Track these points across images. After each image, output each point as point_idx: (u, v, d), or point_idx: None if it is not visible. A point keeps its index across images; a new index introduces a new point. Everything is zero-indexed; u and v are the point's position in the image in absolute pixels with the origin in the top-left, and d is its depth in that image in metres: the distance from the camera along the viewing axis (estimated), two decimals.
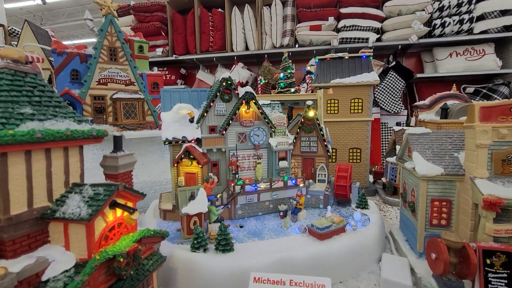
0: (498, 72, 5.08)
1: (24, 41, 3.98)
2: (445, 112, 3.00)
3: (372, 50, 3.42)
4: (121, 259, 1.15)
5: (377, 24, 5.08)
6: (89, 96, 2.93)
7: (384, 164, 3.57)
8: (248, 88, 2.41)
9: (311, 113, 2.51)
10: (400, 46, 5.28)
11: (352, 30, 5.13)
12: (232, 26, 5.62)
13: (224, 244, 1.72)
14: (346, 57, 3.47)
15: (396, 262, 1.82)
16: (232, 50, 5.72)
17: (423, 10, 4.84)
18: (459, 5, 4.74)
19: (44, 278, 1.03)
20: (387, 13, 5.12)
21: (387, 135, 5.26)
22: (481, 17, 4.91)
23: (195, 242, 1.72)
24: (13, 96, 1.06)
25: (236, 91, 2.44)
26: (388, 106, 5.18)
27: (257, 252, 1.73)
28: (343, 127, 3.47)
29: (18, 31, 4.51)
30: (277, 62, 5.97)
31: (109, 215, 1.20)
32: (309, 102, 2.57)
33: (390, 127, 5.29)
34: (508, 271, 1.44)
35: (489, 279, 1.46)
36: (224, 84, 2.39)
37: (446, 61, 5.23)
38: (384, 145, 5.24)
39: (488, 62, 5.05)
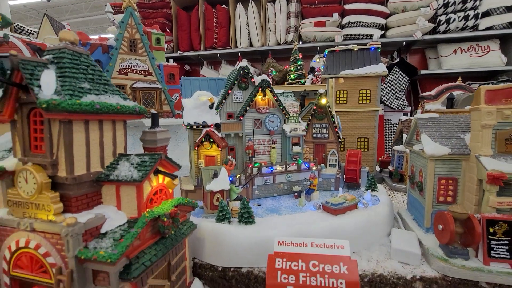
0: (503, 69, 5.07)
1: (44, 34, 4.13)
2: (451, 102, 3.12)
3: (380, 43, 3.52)
4: (165, 219, 1.30)
5: (381, 21, 5.09)
6: None
7: (391, 153, 3.70)
8: (264, 77, 2.55)
9: (323, 101, 2.64)
10: (404, 43, 5.27)
11: (356, 26, 5.13)
12: (236, 22, 5.63)
13: (247, 217, 1.87)
14: (355, 49, 3.58)
15: (405, 235, 1.96)
16: (236, 47, 5.72)
17: (428, 6, 4.85)
18: (464, 1, 4.78)
19: (102, 230, 1.19)
20: (391, 10, 5.13)
21: (392, 132, 5.30)
22: (486, 14, 4.90)
23: (220, 214, 1.88)
24: (74, 73, 1.20)
25: (253, 80, 2.58)
26: (392, 102, 5.24)
27: (276, 224, 1.88)
28: (352, 117, 3.60)
29: (24, 27, 4.64)
30: (281, 59, 6.04)
31: (153, 181, 1.35)
32: (321, 91, 2.70)
33: (394, 124, 5.35)
34: (509, 238, 1.58)
35: (492, 245, 1.60)
36: (241, 72, 2.53)
37: (451, 58, 5.24)
38: (387, 141, 5.26)
39: (493, 58, 5.05)
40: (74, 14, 11.68)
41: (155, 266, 1.29)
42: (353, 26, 5.13)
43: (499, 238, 1.59)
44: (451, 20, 4.92)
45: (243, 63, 2.55)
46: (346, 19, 5.13)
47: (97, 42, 2.99)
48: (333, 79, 2.87)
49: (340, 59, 3.62)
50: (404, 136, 3.32)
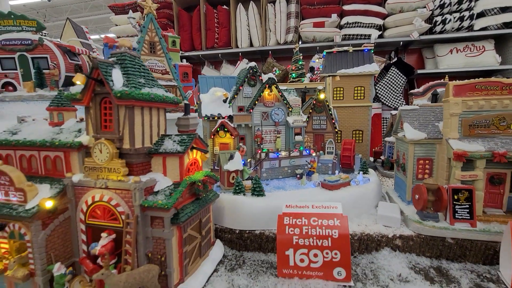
0: (497, 68, 5.16)
1: (66, 37, 4.52)
2: (435, 97, 3.51)
3: (373, 44, 3.91)
4: (200, 184, 1.70)
5: (379, 21, 5.19)
6: None
7: (383, 144, 4.10)
8: (270, 75, 2.94)
9: (322, 96, 3.04)
10: (401, 43, 5.36)
11: (354, 27, 5.21)
12: (237, 23, 5.73)
13: (259, 190, 2.26)
14: (351, 51, 3.98)
15: (389, 205, 2.36)
16: (237, 47, 5.82)
17: (425, 7, 4.96)
18: (459, 2, 4.88)
19: (155, 189, 1.58)
20: (389, 10, 5.22)
21: None
22: (481, 14, 4.99)
23: (236, 188, 2.27)
24: (133, 71, 1.59)
25: (260, 77, 2.97)
26: (390, 101, 5.31)
27: (283, 197, 2.28)
28: (348, 111, 3.99)
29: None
30: (281, 58, 6.17)
31: (190, 154, 1.74)
32: (320, 87, 3.09)
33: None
34: (469, 203, 1.97)
35: (456, 209, 1.99)
36: (250, 71, 2.92)
37: (447, 57, 5.32)
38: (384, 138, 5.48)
39: (487, 58, 5.14)
40: (74, 14, 11.88)
41: (192, 219, 1.68)
42: (351, 27, 5.26)
43: (462, 204, 1.99)
44: (447, 21, 5.03)
45: (252, 63, 2.92)
46: (344, 20, 5.24)
47: None
48: (331, 77, 3.25)
49: (337, 59, 4.01)
50: None
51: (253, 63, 2.96)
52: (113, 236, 1.54)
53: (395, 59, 5.55)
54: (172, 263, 1.52)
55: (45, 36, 4.77)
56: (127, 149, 1.53)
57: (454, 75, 5.36)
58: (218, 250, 2.04)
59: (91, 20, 12.37)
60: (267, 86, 2.92)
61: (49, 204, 1.43)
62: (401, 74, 5.44)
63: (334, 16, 5.22)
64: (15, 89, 3.43)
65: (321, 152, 3.10)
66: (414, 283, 1.69)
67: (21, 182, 1.50)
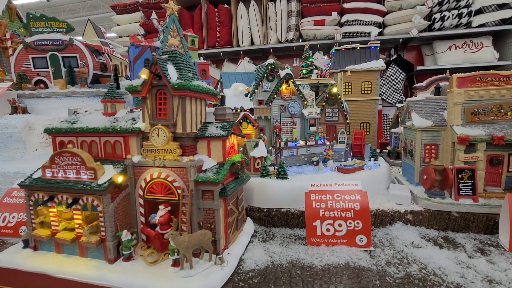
0: (495, 64, 5.24)
1: (88, 37, 4.74)
2: (438, 91, 3.77)
3: (379, 42, 4.16)
4: (239, 164, 1.95)
5: (379, 19, 5.25)
6: None
7: (389, 135, 4.37)
8: (288, 70, 3.20)
9: (334, 89, 3.29)
10: (401, 40, 5.44)
11: (355, 24, 5.28)
12: (238, 21, 5.76)
13: (283, 174, 2.52)
14: (358, 48, 4.23)
15: (400, 186, 2.62)
16: (238, 45, 5.86)
17: (423, 4, 5.05)
18: None
19: (203, 168, 1.83)
20: (388, 8, 5.29)
21: (388, 124, 5.67)
22: (479, 11, 5.09)
23: (263, 172, 2.53)
24: (184, 66, 1.85)
25: (278, 73, 3.23)
26: (390, 98, 5.52)
27: (304, 179, 2.54)
28: (355, 105, 4.25)
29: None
30: (282, 57, 6.20)
31: (229, 139, 1.99)
32: (332, 82, 3.35)
33: (391, 118, 5.52)
34: (472, 181, 2.24)
35: (460, 187, 2.26)
36: (269, 67, 3.17)
37: (446, 54, 5.42)
38: (384, 131, 5.60)
39: (485, 54, 5.24)
40: (72, 14, 11.98)
41: (232, 195, 1.94)
42: (351, 24, 5.33)
43: (465, 182, 2.25)
44: (445, 18, 5.11)
45: (271, 59, 3.17)
46: (345, 18, 5.31)
47: (146, 44, 3.62)
48: (342, 72, 3.51)
49: (345, 56, 4.27)
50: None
51: (271, 60, 3.21)
52: (169, 208, 1.79)
53: (395, 56, 5.70)
54: (220, 230, 1.77)
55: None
56: (180, 133, 1.79)
57: (453, 72, 5.42)
58: (249, 226, 2.30)
59: (90, 20, 12.49)
60: (284, 81, 3.17)
61: (120, 179, 1.69)
62: (401, 71, 5.53)
63: (335, 14, 5.28)
64: (46, 86, 3.66)
65: (334, 141, 3.36)
66: (425, 248, 1.96)
67: (91, 162, 1.75)
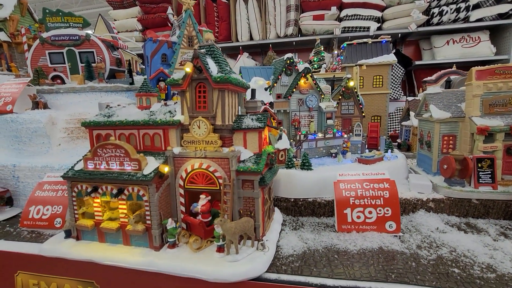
0: (492, 59, 5.34)
1: (98, 32, 4.74)
2: (448, 84, 3.87)
3: (390, 37, 4.24)
4: (273, 155, 2.02)
5: (377, 13, 5.26)
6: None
7: (399, 128, 4.47)
8: (306, 65, 3.26)
9: (351, 83, 3.37)
10: (400, 35, 5.45)
11: (354, 19, 5.29)
12: (236, 16, 5.70)
13: (308, 165, 2.60)
14: (370, 42, 4.30)
15: (419, 176, 2.73)
16: (237, 40, 5.80)
17: None
18: None
19: (241, 159, 1.90)
20: (387, 3, 5.31)
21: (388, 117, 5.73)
22: (476, 6, 5.17)
23: (289, 163, 2.61)
24: (221, 60, 1.90)
25: (296, 67, 3.28)
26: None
27: (327, 170, 2.62)
28: (367, 98, 4.33)
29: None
30: (281, 52, 6.12)
31: (264, 131, 2.06)
32: (349, 75, 3.42)
33: (390, 113, 5.54)
34: (491, 170, 2.34)
35: (480, 175, 2.36)
36: (288, 62, 3.23)
37: (444, 49, 5.49)
38: (387, 127, 5.70)
39: (483, 49, 5.33)
40: (64, 9, 11.89)
41: (267, 186, 2.01)
42: (350, 19, 5.33)
43: (485, 170, 2.36)
44: (444, 12, 5.16)
45: (289, 54, 3.23)
46: (344, 12, 5.31)
47: (163, 39, 3.64)
48: (357, 66, 3.58)
49: (357, 50, 4.34)
50: (411, 113, 4.08)
51: (289, 54, 3.26)
52: (209, 197, 1.86)
53: (394, 50, 5.61)
54: (259, 218, 1.85)
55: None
56: (220, 125, 1.85)
57: (450, 66, 5.43)
58: (278, 215, 2.38)
59: (82, 15, 12.37)
60: (303, 75, 3.23)
61: (166, 169, 1.75)
62: (400, 66, 5.58)
63: (334, 9, 5.24)
64: (63, 81, 3.67)
65: (350, 134, 3.45)
66: (451, 233, 2.06)
67: (134, 153, 1.81)
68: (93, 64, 3.63)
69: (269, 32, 5.78)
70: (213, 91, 1.82)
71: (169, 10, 3.86)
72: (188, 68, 1.74)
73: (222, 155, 1.80)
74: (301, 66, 3.25)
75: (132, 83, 4.06)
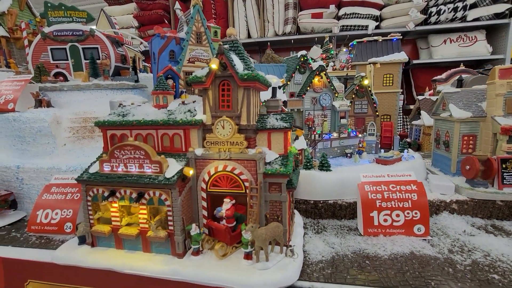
0: (488, 58, 5.38)
1: (100, 27, 4.58)
2: (460, 83, 3.83)
3: (400, 35, 4.17)
4: (298, 156, 1.94)
5: (376, 12, 5.24)
6: (182, 71, 3.63)
7: (409, 127, 4.42)
8: (321, 62, 3.17)
9: (366, 81, 3.30)
10: (398, 33, 5.63)
11: (352, 17, 5.27)
12: (234, 14, 5.62)
13: (327, 166, 2.52)
14: (380, 40, 4.24)
15: (440, 177, 2.67)
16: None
17: None
18: None
19: (266, 160, 1.81)
20: (385, 1, 5.29)
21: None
22: (474, 5, 5.18)
23: (308, 164, 2.52)
24: (246, 57, 1.80)
25: (310, 65, 3.20)
26: None
27: (347, 171, 2.54)
28: (377, 97, 4.26)
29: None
30: (279, 50, 6.00)
31: (289, 131, 1.97)
32: (363, 74, 3.35)
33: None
34: None
35: (504, 176, 2.31)
36: (302, 59, 3.14)
37: (441, 48, 5.49)
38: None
39: (479, 48, 5.35)
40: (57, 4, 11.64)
41: (295, 188, 1.93)
42: (349, 18, 5.30)
43: (509, 171, 2.31)
44: (441, 11, 5.17)
45: (303, 51, 3.15)
46: (342, 11, 5.27)
47: (171, 35, 3.52)
48: (371, 64, 3.51)
49: (367, 48, 4.27)
50: (423, 112, 4.04)
51: (303, 52, 3.17)
52: (233, 201, 1.77)
53: None
54: (286, 222, 1.76)
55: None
56: (245, 125, 1.76)
57: (447, 65, 5.36)
58: (298, 218, 2.30)
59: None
60: (317, 73, 3.15)
61: (191, 172, 1.65)
62: None
63: (332, 7, 5.20)
64: (65, 79, 3.52)
65: (364, 133, 3.38)
66: (480, 236, 2.01)
67: (155, 155, 1.70)
68: (97, 61, 3.49)
69: (267, 30, 5.70)
70: (238, 89, 1.73)
71: (177, 5, 3.73)
72: (214, 65, 1.63)
73: (248, 157, 1.70)
74: (315, 64, 3.17)
75: (137, 80, 3.93)
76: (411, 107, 4.89)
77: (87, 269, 1.73)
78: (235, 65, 1.67)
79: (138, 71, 4.60)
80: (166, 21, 6.25)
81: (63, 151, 2.87)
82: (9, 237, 2.20)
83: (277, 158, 1.84)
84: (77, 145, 2.96)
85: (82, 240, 1.87)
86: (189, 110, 1.92)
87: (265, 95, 2.29)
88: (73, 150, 2.90)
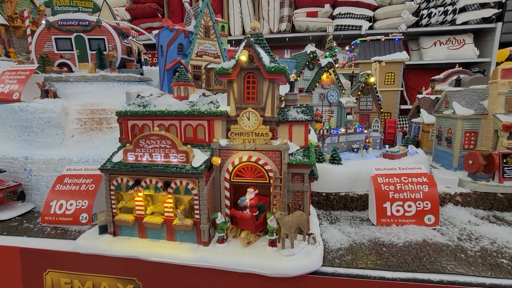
0: (475, 61, 5.61)
1: (104, 18, 4.48)
2: (458, 83, 3.99)
3: (402, 35, 4.30)
4: (317, 148, 2.00)
5: (369, 13, 5.39)
6: (190, 65, 3.63)
7: (408, 124, 4.57)
8: (330, 59, 3.24)
9: (372, 79, 3.39)
10: (390, 35, 5.46)
11: (346, 17, 5.39)
12: (229, 10, 5.61)
13: (338, 160, 2.60)
14: (383, 39, 4.35)
15: (445, 171, 2.80)
16: (230, 35, 5.68)
17: (412, 0, 5.26)
18: None
19: (290, 151, 1.86)
20: (379, 3, 5.44)
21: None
22: (463, 9, 5.40)
23: (320, 157, 2.59)
24: (268, 49, 1.84)
25: (319, 62, 3.26)
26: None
27: (357, 164, 2.63)
28: None
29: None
30: (274, 47, 6.07)
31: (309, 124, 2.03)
32: (369, 72, 3.44)
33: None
34: None
35: (505, 170, 2.45)
36: (311, 56, 3.20)
37: (431, 50, 5.69)
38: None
39: (467, 51, 5.57)
40: None
41: (316, 179, 1.99)
42: (343, 17, 5.41)
43: (509, 165, 2.45)
44: (432, 14, 5.36)
45: (312, 47, 3.22)
46: (337, 10, 5.38)
47: (180, 28, 3.50)
48: (377, 63, 3.62)
49: (370, 47, 4.37)
50: (422, 110, 4.18)
51: (313, 48, 3.23)
52: (257, 191, 1.81)
53: None
54: (307, 211, 1.83)
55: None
56: (269, 117, 1.80)
57: (437, 67, 5.62)
58: (311, 209, 2.36)
59: None
60: (326, 69, 3.22)
61: (219, 161, 1.68)
62: None
63: (327, 6, 5.30)
64: (70, 69, 3.46)
65: (370, 129, 3.48)
66: (484, 225, 2.13)
67: (181, 145, 1.72)
68: (104, 52, 3.45)
69: (262, 27, 5.72)
70: (263, 82, 1.77)
71: None
72: (244, 57, 1.67)
73: (273, 148, 1.75)
74: (324, 61, 3.24)
75: (142, 73, 3.90)
76: (402, 107, 5.05)
77: (108, 257, 1.75)
78: (262, 57, 1.71)
79: (142, 64, 4.56)
80: (159, 15, 6.12)
81: (72, 143, 2.84)
82: (22, 228, 2.17)
83: (298, 150, 1.90)
84: (85, 137, 2.93)
85: (103, 230, 1.87)
86: (211, 102, 1.95)
87: (283, 89, 2.34)
88: (82, 141, 2.87)
